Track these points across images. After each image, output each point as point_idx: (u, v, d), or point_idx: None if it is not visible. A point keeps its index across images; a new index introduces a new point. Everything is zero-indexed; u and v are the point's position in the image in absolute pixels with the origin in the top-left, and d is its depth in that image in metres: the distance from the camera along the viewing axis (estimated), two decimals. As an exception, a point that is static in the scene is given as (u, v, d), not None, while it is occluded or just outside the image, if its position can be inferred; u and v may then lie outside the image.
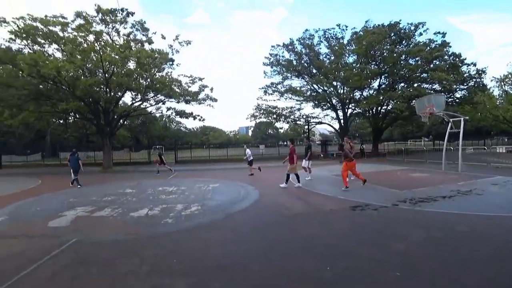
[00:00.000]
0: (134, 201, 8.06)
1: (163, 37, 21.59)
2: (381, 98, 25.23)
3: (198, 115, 24.22)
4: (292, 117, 31.33)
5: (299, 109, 31.20)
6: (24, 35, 17.72)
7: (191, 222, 5.76)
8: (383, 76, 27.37)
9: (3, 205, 7.96)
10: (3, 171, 23.13)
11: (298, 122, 34.08)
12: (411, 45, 25.77)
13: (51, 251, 4.25)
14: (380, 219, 5.61)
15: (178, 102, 22.81)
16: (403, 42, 26.48)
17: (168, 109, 24.13)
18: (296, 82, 31.04)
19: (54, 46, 19.27)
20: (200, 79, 23.91)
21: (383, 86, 28.19)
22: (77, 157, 11.88)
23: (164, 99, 23.55)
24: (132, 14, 19.76)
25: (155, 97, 23.47)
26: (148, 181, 12.91)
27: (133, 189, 10.50)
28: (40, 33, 18.11)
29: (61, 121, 38.27)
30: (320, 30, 29.24)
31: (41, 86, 19.95)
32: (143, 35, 21.19)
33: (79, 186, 11.30)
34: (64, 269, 3.65)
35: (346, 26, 27.94)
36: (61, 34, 18.63)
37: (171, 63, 21.54)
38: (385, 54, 25.36)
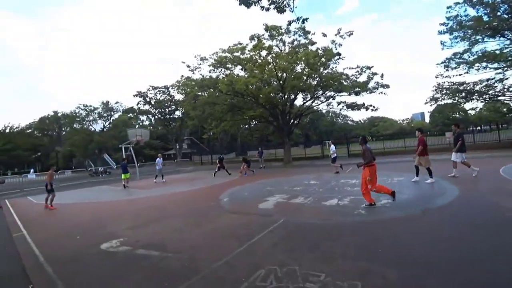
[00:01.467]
0: (321, 192, 8.62)
1: (324, 35, 22.07)
2: None
3: (371, 105, 23.04)
4: (490, 92, 23.61)
5: (501, 80, 22.91)
6: (218, 64, 23.49)
7: (384, 215, 5.52)
8: None
9: (222, 191, 10.51)
10: (205, 166, 31.19)
11: (500, 98, 25.03)
12: None
13: (268, 227, 5.23)
14: None
15: (349, 94, 22.61)
16: None
17: (339, 103, 24.38)
18: (492, 44, 23.01)
19: (238, 67, 24.31)
20: (368, 68, 22.69)
21: None
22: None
23: (334, 94, 24.05)
24: (306, 20, 21.54)
25: (324, 94, 24.43)
26: (328, 174, 13.48)
27: (316, 181, 11.30)
28: (227, 60, 23.23)
29: (246, 126, 47.14)
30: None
31: (233, 101, 25.43)
32: (304, 38, 22.65)
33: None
34: (281, 241, 4.43)
35: None
36: (242, 56, 23.22)
37: (337, 57, 21.66)
38: None
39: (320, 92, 24.07)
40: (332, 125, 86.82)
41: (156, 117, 46.62)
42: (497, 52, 21.90)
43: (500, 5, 21.38)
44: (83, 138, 43.96)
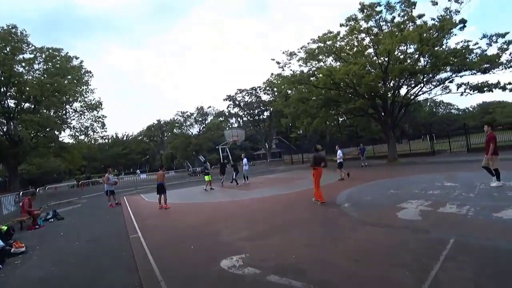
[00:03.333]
0: (475, 198, 6.55)
1: (434, 3, 18.39)
2: None
3: (510, 83, 17.97)
4: None
5: None
6: (310, 57, 22.02)
7: None
8: None
9: (333, 193, 8.94)
10: (296, 165, 29.93)
11: None
12: None
13: (438, 250, 3.76)
14: None
15: (474, 73, 18.26)
16: None
17: (459, 86, 19.89)
18: None
19: (330, 58, 22.36)
20: (502, 36, 17.85)
21: None
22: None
23: (452, 75, 19.86)
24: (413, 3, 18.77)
25: (436, 76, 20.39)
26: (460, 173, 10.75)
27: (453, 182, 8.89)
28: (319, 50, 21.58)
29: (334, 122, 44.09)
30: None
31: (329, 94, 23.57)
32: (409, 12, 19.26)
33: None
34: (485, 279, 2.90)
35: None
36: (336, 44, 21.26)
37: (461, 25, 17.70)
38: None
39: (432, 74, 20.17)
40: (432, 117, 74.78)
41: (245, 118, 48.37)
42: None
43: None
44: (182, 142, 48.78)
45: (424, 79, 20.58)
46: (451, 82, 20.71)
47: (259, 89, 44.57)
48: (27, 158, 27.07)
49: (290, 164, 34.96)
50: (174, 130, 53.16)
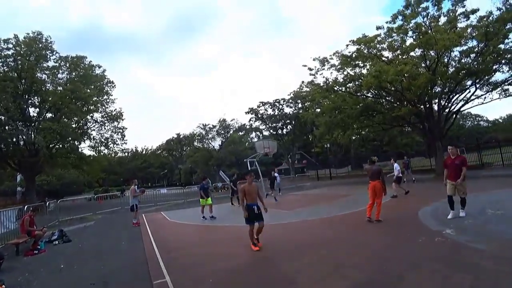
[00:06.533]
0: None
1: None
2: None
3: None
4: None
5: None
6: (349, 60, 19.87)
7: None
8: None
9: (407, 214, 6.66)
10: (323, 182, 27.32)
11: None
12: None
13: None
14: None
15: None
16: None
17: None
18: None
19: (368, 63, 20.15)
20: None
21: None
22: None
23: (510, 76, 17.09)
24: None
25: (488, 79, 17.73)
26: None
27: None
28: (355, 54, 19.47)
29: (358, 136, 41.25)
30: None
31: (368, 101, 21.11)
32: (462, 7, 16.95)
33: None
34: None
35: None
36: (380, 46, 19.10)
37: None
38: None
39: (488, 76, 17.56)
40: (460, 129, 69.71)
41: (268, 132, 46.34)
42: None
43: None
44: (202, 155, 47.11)
45: (479, 82, 17.86)
46: (510, 84, 17.91)
47: (283, 101, 42.77)
48: (45, 168, 26.08)
49: (316, 180, 32.35)
50: (195, 143, 51.79)
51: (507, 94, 18.52)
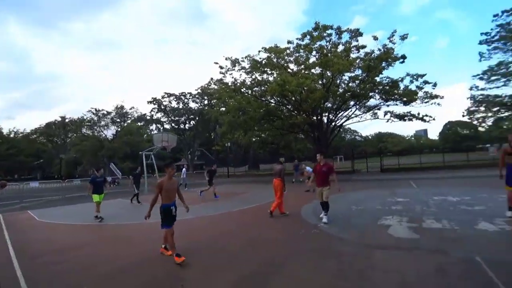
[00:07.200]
0: (440, 211, 6.63)
1: (375, 38, 20.04)
2: None
3: (426, 115, 20.53)
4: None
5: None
6: (258, 65, 21.26)
7: None
8: None
9: (292, 210, 7.73)
10: (223, 179, 28.42)
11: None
12: None
13: (483, 272, 3.22)
14: None
15: (404, 104, 20.28)
16: None
17: (386, 113, 21.90)
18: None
19: (275, 72, 22.00)
20: (421, 76, 20.51)
21: None
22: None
23: (380, 103, 21.81)
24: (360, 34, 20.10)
25: (367, 102, 22.18)
26: (400, 189, 11.13)
27: (404, 198, 8.91)
28: (265, 61, 21.19)
29: (257, 138, 44.10)
30: None
31: (269, 107, 22.74)
32: (356, 41, 20.68)
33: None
34: None
35: None
36: (287, 58, 21.15)
37: (401, 60, 19.50)
38: None
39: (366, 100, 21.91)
40: (341, 141, 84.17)
41: (170, 125, 44.10)
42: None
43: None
44: (92, 144, 41.11)
45: (359, 104, 22.11)
46: (378, 109, 22.83)
47: (189, 95, 41.75)
48: None
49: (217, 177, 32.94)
50: (84, 129, 44.70)
51: (376, 117, 23.35)
